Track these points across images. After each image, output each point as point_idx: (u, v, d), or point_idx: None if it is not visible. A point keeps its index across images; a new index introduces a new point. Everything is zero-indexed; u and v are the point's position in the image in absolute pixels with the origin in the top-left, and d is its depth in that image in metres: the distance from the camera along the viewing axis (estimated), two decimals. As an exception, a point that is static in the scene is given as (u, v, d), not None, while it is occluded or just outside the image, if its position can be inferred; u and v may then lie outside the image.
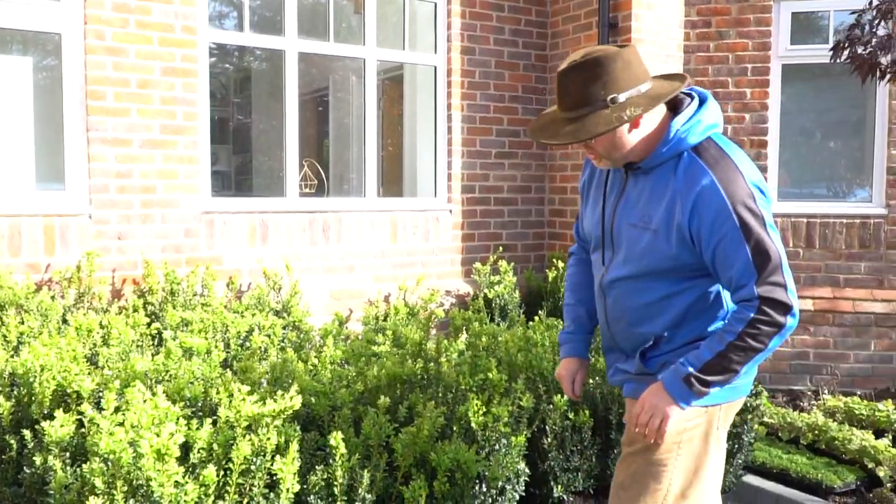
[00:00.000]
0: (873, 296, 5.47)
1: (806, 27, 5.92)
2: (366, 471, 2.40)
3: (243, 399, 2.32)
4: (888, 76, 3.66)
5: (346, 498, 2.39)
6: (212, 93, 5.03)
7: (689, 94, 2.16)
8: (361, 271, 5.42)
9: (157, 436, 2.03)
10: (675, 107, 2.13)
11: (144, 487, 2.06)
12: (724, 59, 5.67)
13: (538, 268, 6.09)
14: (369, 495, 2.41)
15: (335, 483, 2.36)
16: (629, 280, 2.17)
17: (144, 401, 2.25)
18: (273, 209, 5.12)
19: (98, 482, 2.04)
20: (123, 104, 4.59)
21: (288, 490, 2.22)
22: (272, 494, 2.24)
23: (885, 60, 3.64)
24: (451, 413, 2.79)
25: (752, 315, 1.97)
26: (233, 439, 2.23)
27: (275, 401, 2.28)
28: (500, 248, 5.91)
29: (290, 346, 3.60)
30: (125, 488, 2.04)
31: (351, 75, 7.73)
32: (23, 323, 3.58)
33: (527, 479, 2.95)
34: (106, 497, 2.03)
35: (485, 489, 2.72)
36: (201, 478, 2.11)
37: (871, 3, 3.76)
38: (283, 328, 3.99)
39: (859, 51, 3.66)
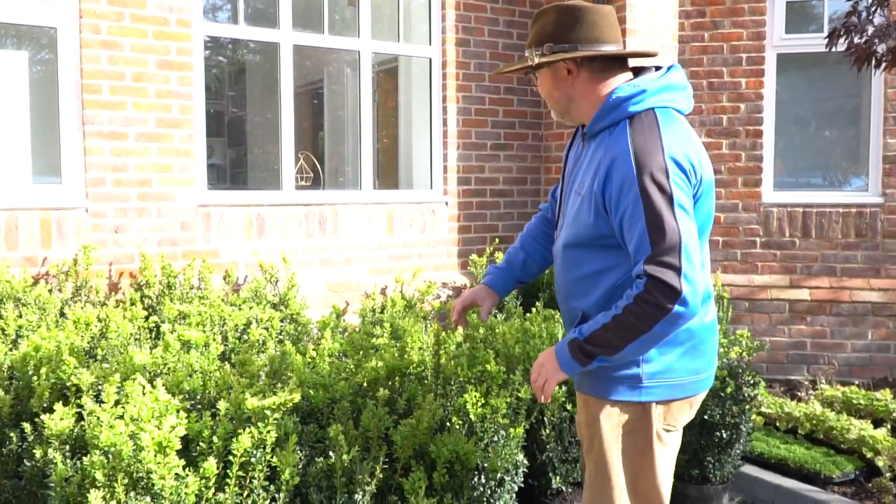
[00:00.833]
0: (870, 285, 5.49)
1: (800, 16, 5.92)
2: (365, 463, 2.41)
3: (242, 392, 2.32)
4: (884, 64, 3.67)
5: (345, 490, 2.39)
6: (206, 85, 5.02)
7: (658, 67, 2.18)
8: (358, 264, 5.42)
9: (158, 428, 2.03)
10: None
11: (145, 480, 2.06)
12: (718, 49, 5.67)
13: (535, 259, 6.08)
14: (369, 487, 2.42)
15: (335, 475, 2.37)
16: (566, 249, 2.17)
17: (144, 393, 2.25)
18: (269, 202, 5.11)
19: (99, 475, 2.04)
20: (119, 97, 4.57)
21: (287, 482, 2.22)
22: (272, 487, 2.24)
23: (881, 49, 3.64)
24: (449, 405, 2.80)
25: (638, 292, 1.91)
26: (233, 432, 2.24)
27: (274, 394, 2.28)
28: (496, 240, 5.91)
29: (287, 339, 3.60)
30: (126, 481, 2.05)
31: (345, 67, 7.71)
32: (21, 316, 3.57)
33: (525, 470, 2.96)
34: (107, 490, 2.03)
35: (484, 480, 2.73)
36: (202, 470, 2.11)
37: (867, -8, 3.75)
38: (281, 321, 3.99)
39: (855, 39, 3.66)
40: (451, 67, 5.75)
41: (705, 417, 3.55)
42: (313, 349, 3.19)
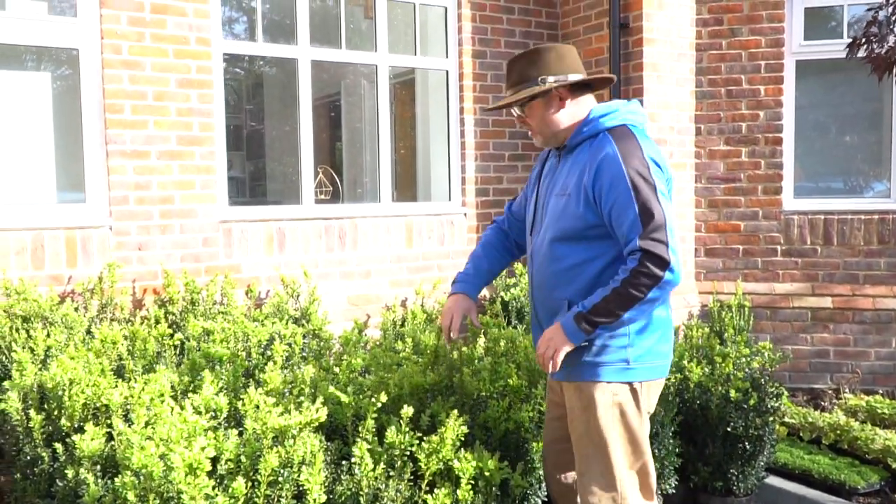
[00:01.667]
0: (893, 292, 5.44)
1: (819, 22, 5.89)
2: (391, 480, 2.43)
3: (269, 411, 2.35)
4: (905, 73, 3.65)
5: (372, 507, 2.41)
6: (225, 100, 5.07)
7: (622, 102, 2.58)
8: (378, 276, 5.44)
9: (188, 449, 2.06)
10: None
11: (175, 500, 2.09)
12: (736, 57, 5.66)
13: (554, 269, 6.09)
14: (395, 504, 2.44)
15: (361, 493, 2.39)
16: (550, 244, 2.50)
17: (171, 410, 2.29)
18: (289, 217, 5.16)
19: (131, 496, 2.07)
20: (141, 117, 4.63)
21: (315, 500, 2.25)
22: (300, 505, 2.27)
23: (901, 58, 3.62)
24: (472, 421, 2.81)
25: (633, 266, 2.28)
26: (259, 451, 2.26)
27: (300, 412, 2.31)
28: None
29: (310, 355, 3.63)
30: (157, 501, 2.08)
31: (362, 80, 7.76)
32: (49, 336, 3.63)
33: (549, 484, 2.96)
34: (138, 511, 2.06)
35: (508, 495, 2.74)
36: (230, 490, 2.14)
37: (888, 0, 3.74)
38: (304, 336, 4.02)
39: (876, 49, 3.64)
40: (468, 79, 5.78)
41: (728, 429, 3.54)
42: (335, 365, 3.22)
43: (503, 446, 2.90)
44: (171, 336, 3.62)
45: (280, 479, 2.23)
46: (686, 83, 5.68)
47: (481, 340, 3.74)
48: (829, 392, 5.32)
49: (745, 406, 3.53)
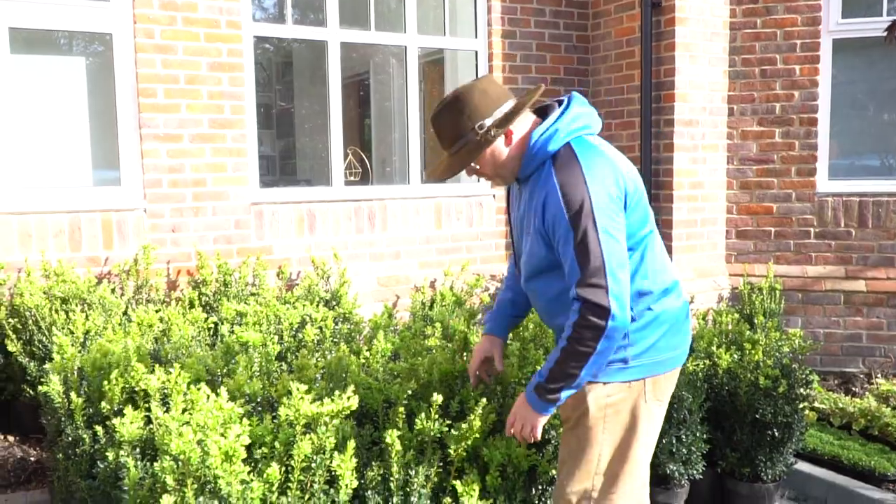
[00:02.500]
0: (928, 276, 5.37)
1: (857, -1, 5.76)
2: (420, 466, 2.47)
3: (301, 398, 2.40)
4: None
5: (401, 492, 2.46)
6: (256, 79, 5.10)
7: (560, 101, 2.35)
8: (407, 258, 5.48)
9: (224, 437, 2.12)
10: (545, 117, 2.31)
11: (212, 485, 2.15)
12: (772, 36, 5.56)
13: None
14: (424, 490, 2.48)
15: (391, 479, 2.44)
16: (530, 281, 2.38)
17: (207, 397, 2.35)
18: (319, 198, 5.20)
19: (169, 480, 2.14)
20: (173, 100, 4.69)
21: (347, 486, 2.30)
22: (332, 490, 2.32)
23: (941, 40, 3.54)
24: (500, 408, 2.85)
25: (574, 319, 2.12)
26: (293, 437, 2.32)
27: (332, 400, 2.35)
28: (545, 232, 5.91)
29: (341, 339, 3.68)
30: (195, 486, 2.14)
31: (391, 58, 7.75)
32: (87, 318, 3.72)
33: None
34: (177, 494, 2.13)
35: (536, 482, 2.78)
36: (265, 475, 2.20)
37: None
38: (335, 321, 4.08)
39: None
40: (498, 59, 5.75)
41: (757, 416, 3.54)
42: (366, 349, 3.27)
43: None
44: (206, 319, 3.69)
45: (313, 465, 2.28)
46: (719, 63, 5.59)
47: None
48: (861, 376, 5.27)
49: (775, 393, 3.52)
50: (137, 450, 2.46)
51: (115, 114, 4.62)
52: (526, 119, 2.31)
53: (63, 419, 2.86)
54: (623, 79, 5.81)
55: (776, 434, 3.55)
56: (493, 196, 5.78)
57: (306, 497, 2.29)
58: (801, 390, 3.57)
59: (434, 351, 3.18)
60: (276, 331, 3.77)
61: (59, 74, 4.76)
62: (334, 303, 4.54)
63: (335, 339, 3.65)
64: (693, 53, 5.44)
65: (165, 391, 2.66)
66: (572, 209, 2.11)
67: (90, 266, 4.47)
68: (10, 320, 3.95)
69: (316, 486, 2.30)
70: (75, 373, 2.98)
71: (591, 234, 2.10)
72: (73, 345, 3.27)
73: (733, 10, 5.63)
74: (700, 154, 5.58)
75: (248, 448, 2.28)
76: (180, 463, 2.15)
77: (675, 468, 3.42)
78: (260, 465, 2.29)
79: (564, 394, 2.19)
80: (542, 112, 2.39)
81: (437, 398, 2.57)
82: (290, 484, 2.27)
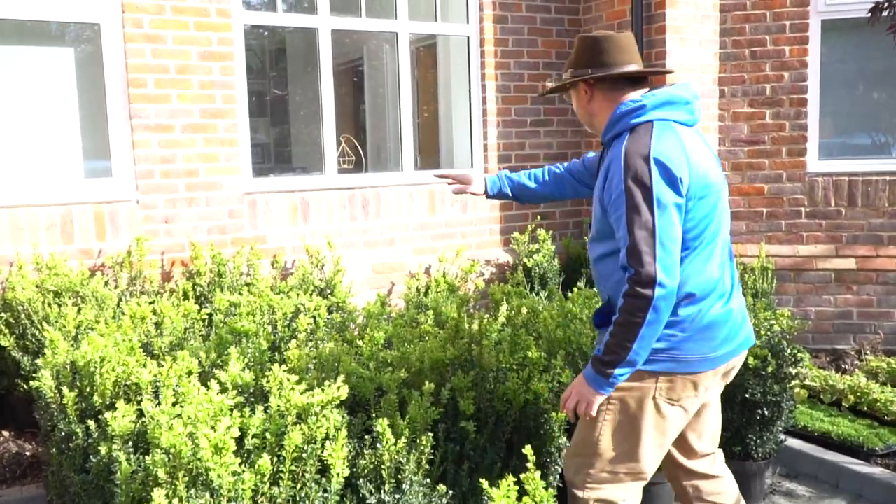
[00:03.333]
0: (918, 254, 5.39)
1: (846, -22, 5.73)
2: (412, 454, 2.51)
3: (292, 388, 2.43)
4: (930, 36, 3.57)
5: (393, 480, 2.50)
6: (248, 66, 5.09)
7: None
8: (401, 244, 5.50)
9: (213, 430, 2.15)
10: None
11: (203, 477, 2.18)
12: (761, 17, 5.55)
13: (577, 234, 6.11)
14: (416, 477, 2.52)
15: (383, 467, 2.47)
16: (593, 242, 2.44)
17: (198, 390, 2.37)
18: (313, 187, 5.21)
19: (161, 473, 2.17)
20: (164, 90, 4.69)
21: (338, 475, 2.33)
22: (323, 479, 2.35)
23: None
24: (491, 395, 2.88)
25: (625, 289, 2.15)
26: (284, 427, 2.35)
27: (322, 390, 2.38)
28: (538, 217, 5.94)
29: (334, 329, 3.71)
30: (186, 478, 2.17)
31: (384, 44, 7.71)
32: (79, 312, 3.74)
33: (568, 453, 3.02)
34: (169, 487, 2.16)
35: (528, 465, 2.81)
36: (257, 466, 2.23)
37: (913, -40, 3.64)
38: (328, 310, 4.10)
39: (899, 12, 3.56)
40: (490, 45, 5.74)
41: (746, 395, 3.57)
42: (359, 338, 3.30)
43: (523, 417, 2.97)
44: (199, 311, 3.71)
45: (304, 454, 2.31)
46: (710, 45, 5.59)
47: (503, 308, 3.79)
48: (852, 353, 5.31)
49: (764, 373, 3.55)
50: (130, 443, 2.49)
51: (105, 105, 4.62)
52: (622, 93, 2.38)
53: (56, 414, 2.89)
54: (614, 61, 5.79)
55: (766, 413, 3.58)
56: (486, 181, 5.78)
57: (298, 487, 2.32)
58: (790, 369, 3.61)
59: (427, 339, 3.21)
60: (270, 321, 3.79)
61: (48, 65, 4.75)
62: (328, 291, 4.56)
63: (328, 329, 3.68)
64: (684, 36, 5.43)
65: (157, 384, 2.69)
66: (630, 176, 2.15)
67: (83, 258, 4.49)
68: (3, 315, 3.96)
69: (308, 475, 2.33)
70: (67, 367, 3.00)
71: (645, 205, 2.13)
72: (65, 339, 3.28)
73: (724, -10, 5.61)
74: (692, 136, 5.57)
75: (241, 438, 2.31)
76: (171, 456, 2.18)
77: (666, 450, 3.45)
78: (252, 457, 2.32)
79: (619, 370, 2.21)
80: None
81: (429, 386, 2.60)
82: (281, 474, 2.30)
